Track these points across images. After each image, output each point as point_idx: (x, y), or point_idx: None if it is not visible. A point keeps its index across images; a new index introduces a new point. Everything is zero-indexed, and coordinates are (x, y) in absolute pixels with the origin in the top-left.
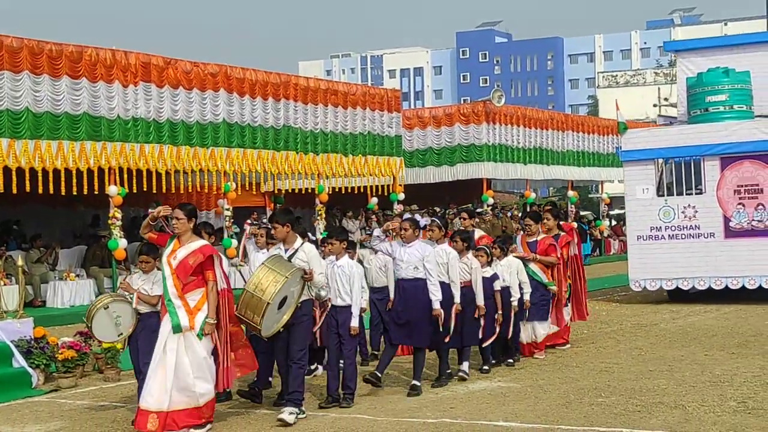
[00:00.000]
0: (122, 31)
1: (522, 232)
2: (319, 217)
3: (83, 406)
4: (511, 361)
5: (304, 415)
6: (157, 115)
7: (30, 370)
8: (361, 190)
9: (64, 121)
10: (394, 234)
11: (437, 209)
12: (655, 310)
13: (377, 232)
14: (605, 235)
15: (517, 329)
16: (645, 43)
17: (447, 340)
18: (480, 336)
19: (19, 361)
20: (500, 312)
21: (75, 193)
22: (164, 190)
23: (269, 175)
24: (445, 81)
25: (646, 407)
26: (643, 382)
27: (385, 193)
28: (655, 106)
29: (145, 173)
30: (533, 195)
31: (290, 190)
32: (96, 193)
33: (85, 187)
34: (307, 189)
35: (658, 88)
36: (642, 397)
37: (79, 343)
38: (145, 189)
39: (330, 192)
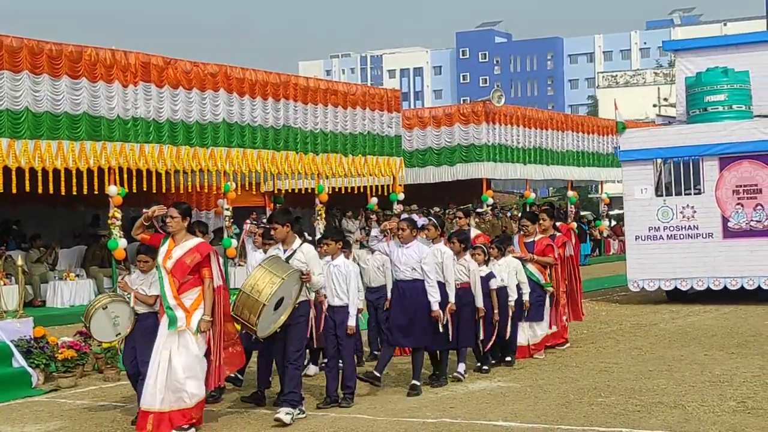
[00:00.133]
0: (122, 31)
1: (519, 233)
2: (319, 217)
3: (83, 406)
4: (509, 359)
5: (304, 415)
6: (157, 115)
7: (30, 369)
8: (361, 190)
9: (64, 121)
10: (392, 234)
11: (435, 209)
12: (655, 310)
13: (375, 231)
14: (605, 235)
15: (514, 330)
16: (645, 43)
17: (449, 339)
18: (481, 338)
19: (19, 360)
20: (496, 311)
21: (75, 193)
22: (164, 190)
23: (269, 175)
24: (445, 81)
25: (645, 407)
26: (642, 382)
27: (385, 193)
28: (654, 106)
29: (144, 173)
30: (533, 195)
31: (290, 190)
32: (96, 193)
33: (85, 187)
34: (306, 189)
35: (658, 89)
36: (641, 397)
37: (78, 342)
38: (144, 189)
39: (330, 192)
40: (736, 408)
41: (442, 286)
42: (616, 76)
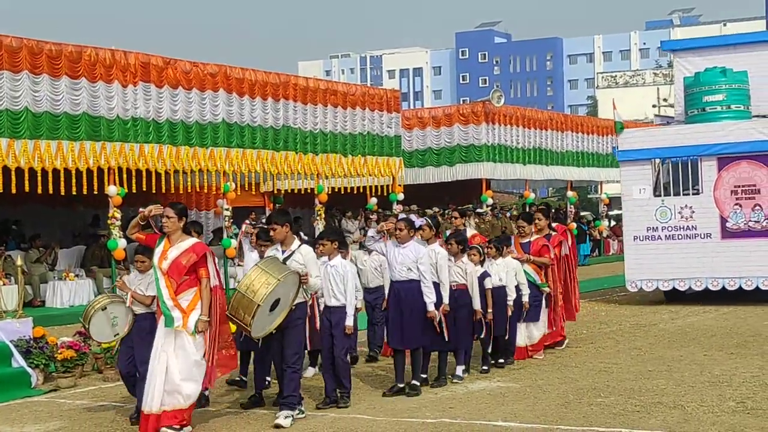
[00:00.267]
0: (122, 31)
1: (516, 234)
2: (318, 218)
3: (82, 406)
4: (502, 361)
5: (303, 415)
6: (157, 115)
7: (29, 369)
8: (361, 190)
9: (64, 121)
10: (389, 235)
11: (434, 209)
12: (654, 310)
13: (371, 232)
14: (604, 235)
15: (513, 330)
16: (644, 43)
17: (445, 339)
18: (482, 337)
19: (19, 360)
20: (490, 310)
21: (74, 193)
22: (163, 190)
23: (268, 176)
24: (445, 81)
25: (645, 407)
26: (642, 382)
27: (385, 194)
28: (654, 106)
29: (144, 173)
30: (532, 195)
31: (289, 191)
32: (95, 193)
33: (85, 187)
34: (306, 189)
35: (657, 89)
36: (641, 398)
37: (78, 343)
38: (144, 189)
39: (329, 192)
40: (735, 408)
41: (436, 286)
42: (616, 76)
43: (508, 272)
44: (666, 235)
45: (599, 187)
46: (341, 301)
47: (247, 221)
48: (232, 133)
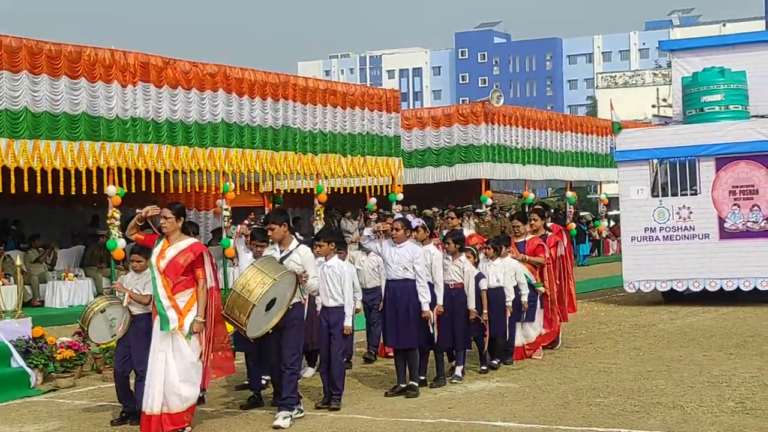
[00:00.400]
0: (121, 31)
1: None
2: (318, 218)
3: (81, 406)
4: (495, 363)
5: (302, 414)
6: (156, 115)
7: (28, 369)
8: (360, 190)
9: (63, 121)
10: (384, 234)
11: (432, 209)
12: (654, 310)
13: (368, 231)
14: (604, 235)
15: (513, 331)
16: (644, 43)
17: (435, 341)
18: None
19: (18, 360)
20: (485, 311)
21: (74, 193)
22: (163, 191)
23: (268, 176)
24: (444, 81)
25: (644, 407)
26: (641, 382)
27: (384, 194)
28: (653, 107)
29: (143, 173)
30: (532, 195)
31: (289, 191)
32: (95, 193)
33: (84, 187)
34: (305, 189)
35: (657, 89)
36: (640, 398)
37: (77, 343)
38: (143, 189)
39: (329, 192)
40: (734, 408)
41: (430, 287)
42: (615, 76)
43: (506, 273)
44: (664, 236)
45: (599, 187)
46: (338, 302)
47: (246, 221)
48: (231, 133)
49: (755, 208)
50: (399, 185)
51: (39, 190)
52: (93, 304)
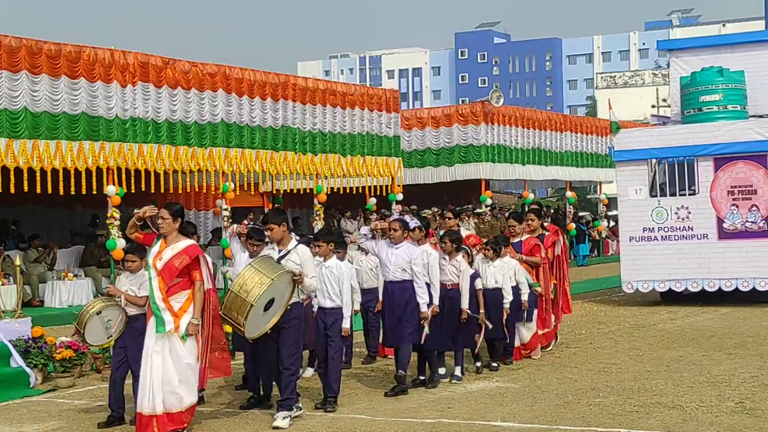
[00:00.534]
0: (121, 30)
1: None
2: (317, 218)
3: (81, 406)
4: (495, 365)
5: (301, 411)
6: (156, 115)
7: (28, 369)
8: (360, 190)
9: (63, 121)
10: (381, 234)
11: (432, 209)
12: (653, 310)
13: (364, 230)
14: (603, 235)
15: (512, 332)
16: (643, 44)
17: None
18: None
19: (17, 360)
20: (482, 311)
21: (73, 193)
22: (162, 191)
23: (267, 176)
24: (444, 81)
25: (644, 407)
26: (641, 382)
27: (384, 194)
28: (653, 107)
29: (143, 173)
30: (531, 196)
31: (288, 191)
32: (94, 193)
33: (84, 187)
34: (305, 189)
35: (657, 89)
36: (640, 398)
37: (77, 342)
38: (143, 189)
39: (328, 192)
40: (734, 408)
41: (427, 287)
42: (615, 77)
43: (505, 274)
44: (662, 236)
45: (598, 187)
46: (336, 303)
47: (246, 221)
48: (231, 133)
49: (754, 208)
50: (399, 185)
51: (38, 190)
52: (89, 306)
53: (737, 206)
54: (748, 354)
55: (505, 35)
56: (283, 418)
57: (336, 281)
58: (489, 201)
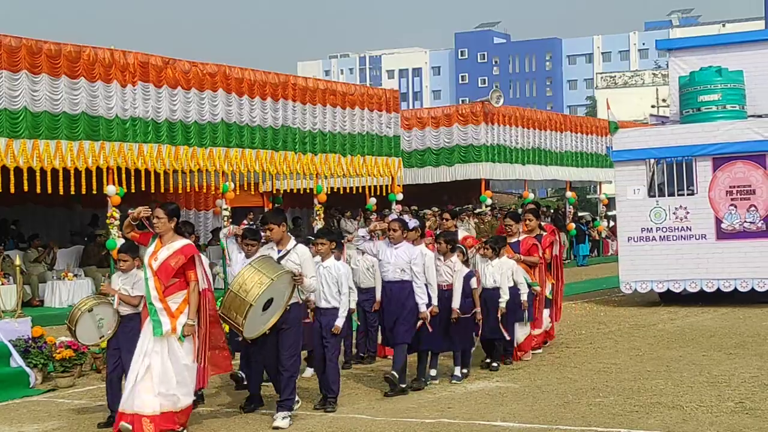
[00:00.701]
0: (121, 30)
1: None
2: (317, 218)
3: (81, 406)
4: (495, 365)
5: (299, 404)
6: (156, 115)
7: (28, 369)
8: (360, 190)
9: (63, 121)
10: (379, 234)
11: (432, 209)
12: (653, 310)
13: (362, 231)
14: (603, 235)
15: (511, 331)
16: (643, 44)
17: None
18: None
19: (17, 360)
20: (477, 310)
21: (73, 192)
22: (162, 190)
23: (267, 175)
24: (444, 81)
25: (644, 407)
26: (641, 382)
27: (384, 194)
28: (653, 107)
29: (143, 173)
30: (531, 196)
31: (288, 191)
32: (94, 193)
33: (84, 186)
34: (305, 189)
35: (656, 89)
36: (640, 398)
37: (76, 342)
38: (143, 189)
39: (328, 192)
40: (734, 408)
41: (425, 287)
42: (615, 77)
43: (503, 273)
44: (660, 236)
45: (598, 187)
46: (332, 303)
47: (245, 222)
48: (231, 133)
49: (752, 208)
50: (399, 185)
51: (38, 190)
52: (80, 303)
53: (736, 206)
54: (748, 354)
55: (505, 35)
56: (283, 418)
57: (334, 282)
58: (489, 201)
